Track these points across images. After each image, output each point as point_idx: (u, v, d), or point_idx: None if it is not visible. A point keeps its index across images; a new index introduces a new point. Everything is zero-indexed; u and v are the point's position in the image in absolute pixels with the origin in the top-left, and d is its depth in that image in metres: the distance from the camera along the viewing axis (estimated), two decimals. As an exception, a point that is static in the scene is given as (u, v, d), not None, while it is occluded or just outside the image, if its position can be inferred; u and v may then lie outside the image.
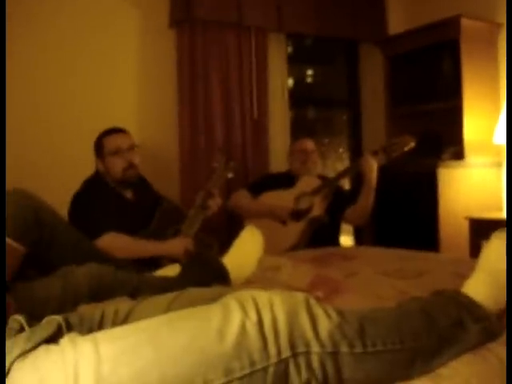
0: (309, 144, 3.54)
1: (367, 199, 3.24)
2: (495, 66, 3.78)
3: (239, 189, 3.49)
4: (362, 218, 3.37)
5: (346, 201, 3.31)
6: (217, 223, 3.57)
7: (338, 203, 3.34)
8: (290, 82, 4.28)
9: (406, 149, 3.21)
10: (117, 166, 2.64)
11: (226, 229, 3.62)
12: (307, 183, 3.37)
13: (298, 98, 4.32)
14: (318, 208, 3.25)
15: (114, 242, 2.36)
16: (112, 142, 2.66)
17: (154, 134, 3.57)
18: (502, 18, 3.74)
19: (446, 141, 3.81)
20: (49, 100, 3.24)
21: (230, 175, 2.96)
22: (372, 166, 3.19)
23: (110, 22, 3.43)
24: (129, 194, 2.73)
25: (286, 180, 3.46)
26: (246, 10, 3.67)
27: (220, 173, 2.89)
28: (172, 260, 2.44)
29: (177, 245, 2.53)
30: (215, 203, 2.76)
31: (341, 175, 3.40)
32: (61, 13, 3.27)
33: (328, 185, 3.32)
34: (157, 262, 2.45)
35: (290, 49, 4.26)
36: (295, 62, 4.35)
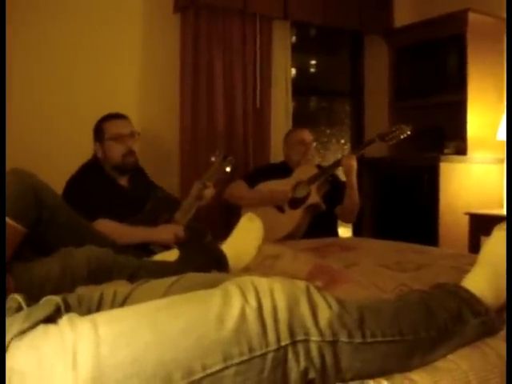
0: (306, 134, 3.53)
1: (351, 199, 3.27)
2: (501, 61, 3.76)
3: (236, 179, 3.49)
4: (350, 217, 3.41)
5: (342, 192, 3.31)
6: (214, 214, 3.57)
7: (336, 193, 3.35)
8: (293, 71, 4.26)
9: (401, 137, 3.24)
10: (116, 151, 2.63)
11: (223, 220, 3.61)
12: (304, 172, 3.38)
13: (301, 87, 4.30)
14: (314, 195, 3.27)
15: (104, 228, 2.33)
16: (113, 127, 2.65)
17: (156, 120, 3.55)
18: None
19: (449, 135, 3.81)
20: (52, 85, 3.21)
21: (227, 169, 2.96)
22: (351, 167, 3.21)
23: (115, 6, 3.40)
24: (124, 181, 2.72)
25: (283, 171, 3.47)
26: (252, -3, 3.64)
27: (217, 166, 2.89)
28: (162, 246, 2.43)
29: (167, 231, 2.50)
30: (209, 193, 2.76)
31: (332, 166, 3.40)
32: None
33: (323, 173, 3.34)
34: (147, 248, 2.43)
35: (293, 38, 4.24)
36: (299, 52, 4.33)
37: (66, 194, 2.50)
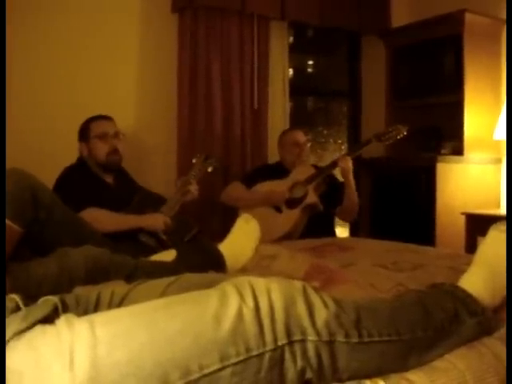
0: (300, 135, 3.53)
1: (350, 199, 3.31)
2: (498, 62, 3.77)
3: (233, 181, 3.49)
4: (351, 215, 3.46)
5: (340, 192, 3.32)
6: (210, 216, 3.57)
7: (333, 193, 3.35)
8: (291, 71, 4.26)
9: (398, 137, 3.27)
10: (101, 149, 2.74)
11: (221, 221, 3.61)
12: (301, 172, 3.39)
13: (298, 88, 4.31)
14: (312, 195, 3.27)
15: (93, 215, 2.40)
16: (99, 127, 2.77)
17: (153, 121, 3.55)
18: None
19: (446, 135, 3.81)
20: (51, 85, 3.21)
21: (209, 169, 3.10)
22: (347, 168, 3.24)
23: (113, 6, 3.39)
24: (109, 179, 2.81)
25: (279, 171, 3.47)
26: (249, -2, 3.64)
27: (199, 167, 3.02)
28: (150, 234, 2.53)
29: (156, 218, 2.59)
30: (193, 188, 2.86)
31: (329, 167, 3.40)
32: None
33: (320, 174, 3.34)
34: (136, 238, 2.51)
35: (291, 38, 4.24)
36: (296, 52, 4.33)
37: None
